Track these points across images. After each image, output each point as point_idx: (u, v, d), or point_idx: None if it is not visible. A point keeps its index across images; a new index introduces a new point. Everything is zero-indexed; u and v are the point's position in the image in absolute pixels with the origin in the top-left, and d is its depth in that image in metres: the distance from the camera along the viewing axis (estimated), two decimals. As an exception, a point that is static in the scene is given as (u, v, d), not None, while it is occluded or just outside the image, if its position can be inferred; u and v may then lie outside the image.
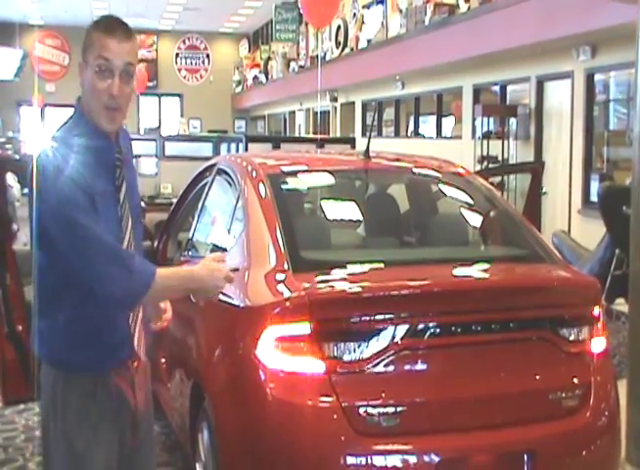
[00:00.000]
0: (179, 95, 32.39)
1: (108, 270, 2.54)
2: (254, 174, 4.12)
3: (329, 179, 4.58)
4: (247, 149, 11.25)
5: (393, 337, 3.22)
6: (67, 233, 2.53)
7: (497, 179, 11.57)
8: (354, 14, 19.65)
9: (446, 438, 3.28)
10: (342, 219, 4.74)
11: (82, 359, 2.68)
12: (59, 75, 29.52)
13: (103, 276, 2.54)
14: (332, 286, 3.43)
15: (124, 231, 2.71)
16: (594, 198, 10.38)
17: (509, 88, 13.77)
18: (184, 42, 32.48)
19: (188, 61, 32.61)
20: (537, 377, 3.48)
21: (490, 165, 12.57)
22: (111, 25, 2.64)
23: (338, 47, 20.06)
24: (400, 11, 16.25)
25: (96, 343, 2.67)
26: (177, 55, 32.55)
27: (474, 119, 14.09)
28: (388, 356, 3.21)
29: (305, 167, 4.55)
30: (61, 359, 2.69)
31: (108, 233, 2.59)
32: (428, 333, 3.27)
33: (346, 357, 3.19)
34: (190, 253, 4.83)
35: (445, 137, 16.29)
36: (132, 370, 2.77)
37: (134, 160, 2.92)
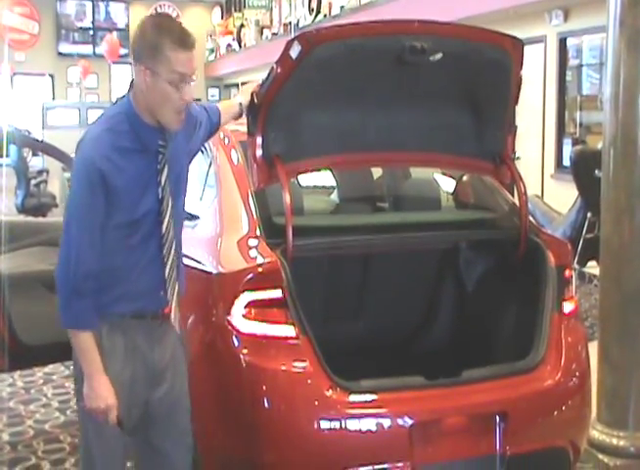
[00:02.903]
0: (152, 63, 32.06)
1: (63, 268, 2.75)
2: (227, 141, 4.10)
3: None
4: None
5: None
6: (67, 207, 2.81)
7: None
8: (327, -21, 19.47)
9: (420, 400, 3.32)
10: (314, 186, 4.74)
11: (105, 302, 2.81)
12: (28, 44, 29.06)
13: (60, 262, 2.76)
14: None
15: (164, 213, 2.86)
16: (567, 162, 10.41)
17: (482, 53, 13.74)
18: (156, 10, 32.10)
19: (160, 29, 32.28)
20: None
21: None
22: (182, 38, 2.74)
23: (311, 14, 19.89)
24: (373, -24, 16.12)
25: (117, 291, 2.83)
26: (149, 23, 32.19)
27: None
28: None
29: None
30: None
31: (128, 216, 2.79)
32: None
33: None
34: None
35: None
36: (153, 325, 2.92)
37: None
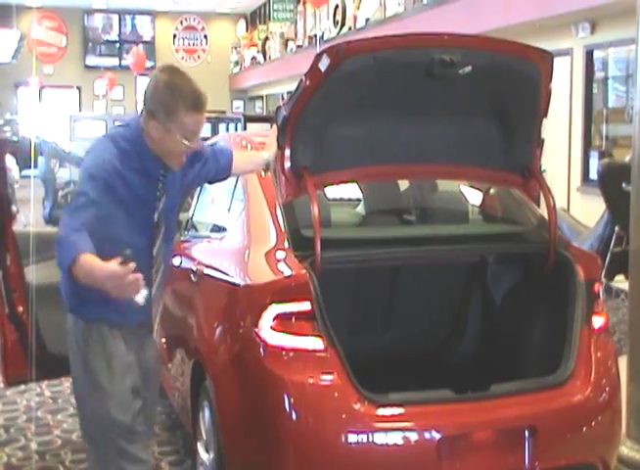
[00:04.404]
0: (177, 76, 32.23)
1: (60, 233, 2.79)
2: (254, 153, 4.11)
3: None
4: (245, 129, 11.28)
5: None
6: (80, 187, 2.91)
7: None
8: (352, -8, 19.50)
9: (448, 414, 3.30)
10: (341, 198, 4.74)
11: (95, 313, 3.04)
12: (56, 57, 29.36)
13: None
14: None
15: (157, 237, 3.08)
16: (593, 175, 10.34)
17: (508, 66, 13.69)
18: (181, 23, 32.31)
19: (186, 42, 32.43)
20: None
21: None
22: (196, 103, 2.93)
23: (336, 26, 19.94)
24: (398, -11, 16.14)
25: (107, 302, 2.80)
26: (175, 36, 32.39)
27: (473, 98, 14.01)
28: None
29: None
30: (76, 311, 3.09)
31: (129, 229, 2.95)
32: None
33: None
34: (190, 233, 4.83)
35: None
36: (142, 331, 3.18)
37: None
